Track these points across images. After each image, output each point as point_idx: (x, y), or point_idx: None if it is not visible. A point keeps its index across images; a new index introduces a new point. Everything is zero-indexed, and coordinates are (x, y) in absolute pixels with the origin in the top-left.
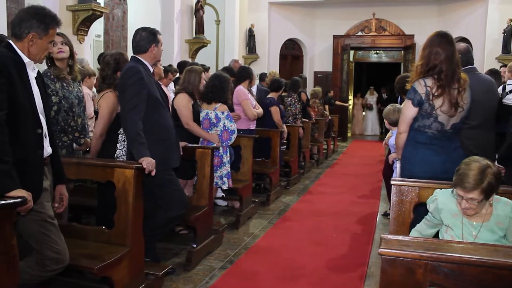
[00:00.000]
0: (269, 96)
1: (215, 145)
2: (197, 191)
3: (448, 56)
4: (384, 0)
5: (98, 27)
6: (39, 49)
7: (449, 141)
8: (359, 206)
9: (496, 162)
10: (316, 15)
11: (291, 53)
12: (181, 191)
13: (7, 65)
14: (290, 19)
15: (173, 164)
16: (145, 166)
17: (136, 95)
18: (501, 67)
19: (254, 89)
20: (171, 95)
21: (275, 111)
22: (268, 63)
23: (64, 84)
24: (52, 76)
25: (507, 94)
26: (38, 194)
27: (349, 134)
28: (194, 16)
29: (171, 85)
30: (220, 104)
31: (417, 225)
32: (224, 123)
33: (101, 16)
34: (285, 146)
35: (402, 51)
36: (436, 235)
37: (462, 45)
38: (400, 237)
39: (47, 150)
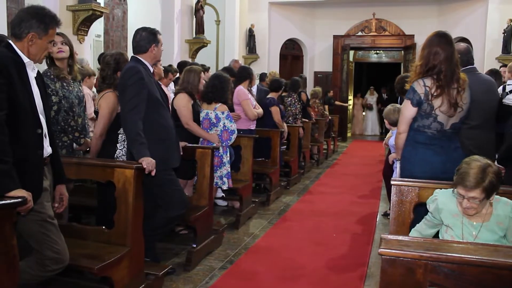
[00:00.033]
0: (269, 96)
1: (215, 145)
2: (197, 191)
3: (447, 56)
4: (384, 0)
5: (98, 27)
6: (38, 49)
7: (449, 141)
8: (359, 206)
9: (496, 162)
10: (316, 15)
11: (291, 53)
12: (181, 191)
13: (7, 65)
14: (290, 19)
15: (173, 164)
16: (145, 166)
17: (136, 95)
18: (501, 67)
19: (254, 89)
20: (171, 95)
21: (275, 111)
22: (268, 63)
23: (64, 84)
24: (52, 76)
25: (507, 94)
26: (38, 194)
27: (349, 134)
28: (194, 16)
29: (171, 85)
30: (220, 104)
31: (417, 225)
32: (224, 123)
33: (101, 16)
34: (285, 146)
35: (402, 51)
36: (436, 235)
37: (462, 45)
38: (400, 237)
39: (47, 150)
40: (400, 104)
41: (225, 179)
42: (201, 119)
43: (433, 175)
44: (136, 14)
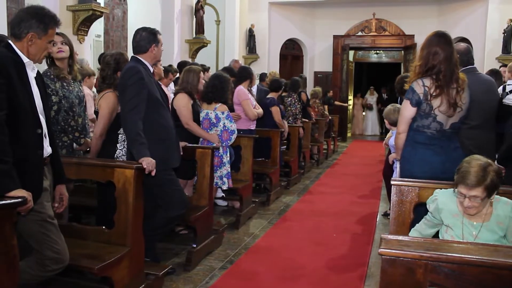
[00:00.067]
0: (269, 96)
1: (215, 145)
2: (197, 191)
3: (447, 56)
4: (384, 0)
5: (98, 27)
6: (38, 49)
7: (449, 141)
8: (359, 206)
9: (496, 162)
10: (316, 15)
11: (291, 53)
12: (181, 191)
13: (6, 65)
14: (290, 19)
15: (173, 164)
16: (145, 166)
17: (136, 95)
18: (500, 67)
19: (254, 89)
20: (171, 95)
21: (275, 111)
22: (268, 63)
23: (64, 84)
24: (52, 76)
25: (507, 94)
26: (38, 194)
27: (349, 134)
28: (194, 16)
29: (171, 85)
30: (220, 104)
31: (417, 224)
32: (224, 123)
33: (101, 16)
34: (285, 146)
35: (402, 51)
36: (436, 235)
37: (462, 45)
38: (400, 237)
39: (47, 150)
40: (400, 104)
41: (225, 179)
42: (201, 119)
43: (433, 175)
44: (136, 14)
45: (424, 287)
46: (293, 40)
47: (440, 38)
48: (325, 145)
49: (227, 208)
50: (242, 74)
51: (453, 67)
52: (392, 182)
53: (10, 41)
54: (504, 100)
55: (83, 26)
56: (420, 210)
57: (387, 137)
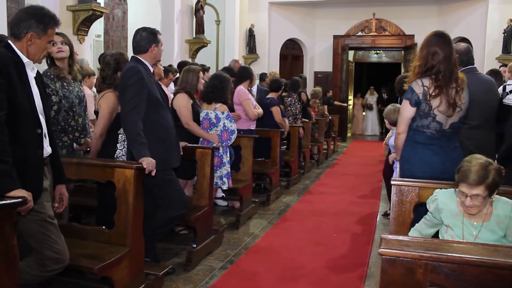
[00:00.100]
0: (268, 96)
1: (215, 145)
2: (197, 191)
3: (446, 56)
4: (384, 0)
5: (98, 27)
6: (37, 49)
7: (448, 141)
8: (359, 206)
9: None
10: (316, 15)
11: (291, 53)
12: (181, 191)
13: (6, 65)
14: (290, 19)
15: (173, 164)
16: (145, 166)
17: (136, 95)
18: (500, 66)
19: (254, 89)
20: (171, 96)
21: (276, 111)
22: (268, 63)
23: (65, 84)
24: (52, 76)
25: (507, 94)
26: (38, 194)
27: (349, 134)
28: (194, 16)
29: (172, 85)
30: (220, 104)
31: (416, 224)
32: (224, 123)
33: (101, 16)
34: (285, 146)
35: (402, 51)
36: (436, 235)
37: (462, 45)
38: (400, 237)
39: (47, 150)
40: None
41: (225, 179)
42: (201, 119)
43: (433, 175)
44: (136, 14)
45: (424, 287)
46: (293, 40)
47: (439, 38)
48: (325, 145)
49: (227, 208)
50: (242, 74)
51: (452, 67)
52: (392, 182)
53: (9, 41)
54: (504, 100)
55: (83, 26)
56: (420, 210)
57: (387, 137)
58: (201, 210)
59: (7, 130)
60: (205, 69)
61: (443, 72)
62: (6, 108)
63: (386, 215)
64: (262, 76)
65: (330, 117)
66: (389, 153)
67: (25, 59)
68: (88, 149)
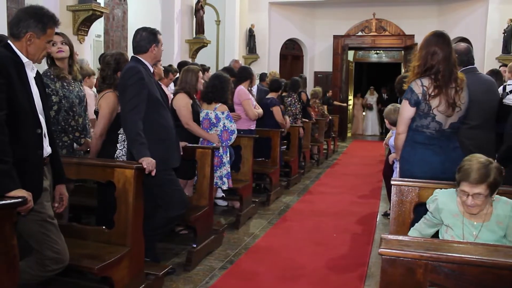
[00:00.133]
0: (268, 96)
1: (215, 145)
2: (197, 191)
3: (445, 56)
4: (384, 0)
5: (98, 27)
6: (37, 48)
7: (448, 141)
8: (359, 206)
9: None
10: (316, 15)
11: (291, 53)
12: (181, 191)
13: (6, 65)
14: (290, 19)
15: (173, 164)
16: (145, 166)
17: (137, 95)
18: (500, 66)
19: (254, 89)
20: (171, 96)
21: (277, 111)
22: (268, 63)
23: (65, 84)
24: (52, 76)
25: (507, 94)
26: (38, 194)
27: (349, 134)
28: (194, 16)
29: (172, 85)
30: (220, 104)
31: (416, 224)
32: (224, 123)
33: (101, 16)
34: (285, 146)
35: (403, 51)
36: (435, 235)
37: (462, 45)
38: (400, 237)
39: (47, 150)
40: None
41: (225, 179)
42: (201, 119)
43: (433, 175)
44: (136, 14)
45: (424, 287)
46: (293, 40)
47: (439, 38)
48: (325, 145)
49: (227, 208)
50: (242, 74)
51: (451, 67)
52: (392, 182)
53: (9, 41)
54: (504, 100)
55: (83, 26)
56: (420, 210)
57: (387, 137)
58: (201, 210)
59: (7, 130)
60: (205, 69)
61: (442, 72)
62: (6, 108)
63: (386, 215)
64: (262, 76)
65: (330, 117)
66: (389, 153)
67: (24, 59)
68: (88, 149)
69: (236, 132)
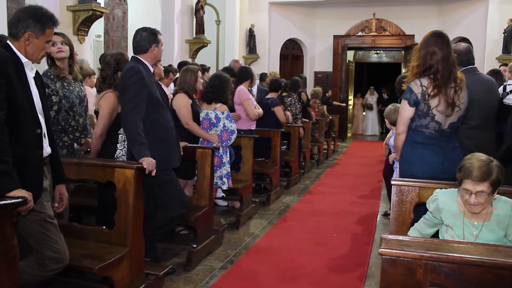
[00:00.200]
0: (268, 96)
1: (215, 145)
2: (197, 191)
3: (444, 56)
4: (384, 0)
5: (98, 27)
6: (35, 48)
7: (447, 141)
8: (360, 206)
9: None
10: (316, 15)
11: (292, 53)
12: (181, 191)
13: (5, 65)
14: (290, 19)
15: (173, 164)
16: (145, 166)
17: (137, 95)
18: (500, 66)
19: (254, 89)
20: (171, 96)
21: (278, 111)
22: (268, 63)
23: (65, 84)
24: (52, 76)
25: (507, 94)
26: (38, 194)
27: (349, 134)
28: (194, 16)
29: (172, 85)
30: (220, 104)
31: (416, 224)
32: (224, 123)
33: (102, 16)
34: (285, 146)
35: (403, 51)
36: (435, 235)
37: (462, 45)
38: (401, 237)
39: (47, 150)
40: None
41: (225, 179)
42: (201, 119)
43: (433, 175)
44: (136, 14)
45: (424, 287)
46: (293, 40)
47: (438, 38)
48: (325, 145)
49: (227, 208)
50: (242, 74)
51: (450, 66)
52: (392, 182)
53: (8, 41)
54: (504, 100)
55: (83, 26)
56: (420, 210)
57: (387, 137)
58: (201, 210)
59: (7, 130)
60: (205, 69)
61: (441, 71)
62: (5, 108)
63: (386, 215)
64: (262, 76)
65: (330, 117)
66: (389, 153)
67: (23, 59)
68: (89, 149)
69: (236, 132)
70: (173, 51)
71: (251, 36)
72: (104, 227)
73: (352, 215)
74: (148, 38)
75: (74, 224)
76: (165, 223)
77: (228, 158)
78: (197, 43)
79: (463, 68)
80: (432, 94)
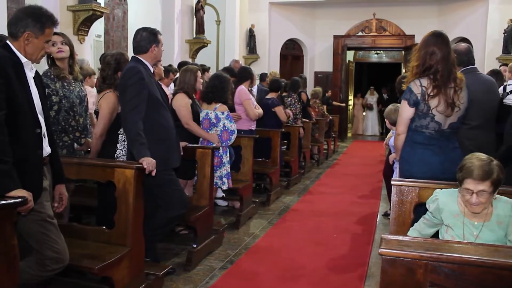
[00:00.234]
0: (268, 96)
1: (215, 145)
2: (197, 191)
3: (444, 56)
4: (384, 0)
5: (98, 27)
6: (35, 48)
7: (447, 141)
8: (360, 206)
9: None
10: (316, 15)
11: (292, 53)
12: (181, 191)
13: (5, 65)
14: (290, 19)
15: (173, 164)
16: (145, 166)
17: (137, 95)
18: (500, 66)
19: (254, 89)
20: (171, 96)
21: (280, 111)
22: (268, 63)
23: (65, 84)
24: (52, 76)
25: (507, 94)
26: (38, 194)
27: (349, 134)
28: (194, 16)
29: (172, 85)
30: (220, 104)
31: (415, 224)
32: (224, 123)
33: (102, 16)
34: (285, 146)
35: (403, 51)
36: (435, 235)
37: (462, 45)
38: (401, 237)
39: (46, 149)
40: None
41: (224, 179)
42: (201, 119)
43: (432, 175)
44: (136, 14)
45: (424, 287)
46: (294, 40)
47: (437, 38)
48: (325, 145)
49: (227, 208)
50: (242, 74)
51: (450, 66)
52: (392, 182)
53: (8, 41)
54: (504, 100)
55: (83, 26)
56: (420, 210)
57: (387, 137)
58: (201, 210)
59: (6, 130)
60: (205, 69)
61: (441, 72)
62: (5, 108)
63: (386, 215)
64: (263, 76)
65: (330, 117)
66: (390, 153)
67: (23, 59)
68: (89, 149)
69: (236, 132)
70: (173, 51)
71: (251, 36)
72: (104, 227)
73: (352, 215)
74: (148, 38)
75: (74, 224)
76: (165, 223)
77: (228, 158)
78: (197, 43)
79: (463, 68)
80: (431, 94)
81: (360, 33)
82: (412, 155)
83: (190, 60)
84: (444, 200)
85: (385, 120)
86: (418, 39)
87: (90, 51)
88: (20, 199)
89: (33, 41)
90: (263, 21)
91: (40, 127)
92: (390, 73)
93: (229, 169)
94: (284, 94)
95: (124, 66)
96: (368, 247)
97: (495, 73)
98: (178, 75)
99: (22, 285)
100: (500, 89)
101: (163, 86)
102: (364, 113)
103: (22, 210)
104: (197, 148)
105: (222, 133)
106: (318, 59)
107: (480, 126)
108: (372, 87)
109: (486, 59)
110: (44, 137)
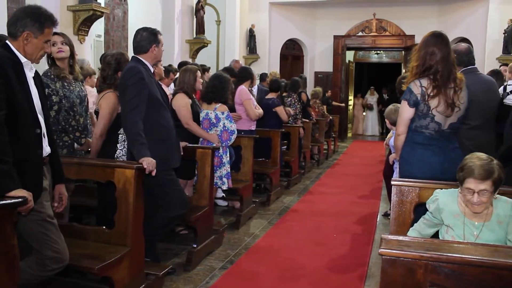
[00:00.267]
0: (268, 96)
1: (215, 145)
2: (198, 191)
3: (443, 56)
4: (384, 0)
5: (98, 27)
6: (34, 48)
7: (447, 141)
8: (360, 207)
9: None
10: (316, 15)
11: (292, 53)
12: (181, 191)
13: (4, 65)
14: (290, 19)
15: (173, 164)
16: (145, 166)
17: (137, 95)
18: (501, 66)
19: (254, 89)
20: (171, 96)
21: (281, 111)
22: (268, 63)
23: (65, 84)
24: (52, 76)
25: (508, 94)
26: (38, 194)
27: (349, 135)
28: (194, 16)
29: (172, 85)
30: (220, 104)
31: (415, 224)
32: (224, 123)
33: (102, 16)
34: (285, 147)
35: (403, 52)
36: (435, 235)
37: (463, 45)
38: (401, 238)
39: (46, 149)
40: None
41: (224, 179)
42: (201, 119)
43: (432, 175)
44: (136, 14)
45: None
46: (294, 40)
47: (437, 39)
48: (325, 145)
49: (227, 208)
50: (242, 75)
51: (450, 67)
52: (392, 182)
53: (7, 41)
54: (504, 100)
55: (83, 26)
56: (420, 210)
57: (387, 137)
58: (201, 210)
59: (6, 130)
60: (205, 69)
61: (441, 72)
62: (5, 108)
63: (386, 215)
64: (263, 76)
65: (330, 117)
66: (390, 153)
67: (23, 59)
68: (89, 149)
69: (236, 132)
70: (173, 51)
71: (251, 36)
72: (104, 227)
73: (352, 215)
74: (148, 38)
75: (74, 224)
76: (165, 223)
77: (228, 158)
78: (197, 43)
79: (464, 69)
80: (431, 94)
81: (360, 33)
82: (412, 155)
83: (190, 60)
84: (444, 200)
85: (385, 120)
86: (418, 39)
87: (90, 51)
88: (20, 199)
89: (32, 41)
90: (263, 21)
91: (40, 127)
92: (390, 73)
93: (229, 169)
94: (284, 94)
95: (125, 66)
96: (368, 247)
97: (495, 73)
98: (178, 75)
99: (22, 285)
100: (500, 89)
101: (163, 86)
102: (364, 113)
103: (22, 210)
104: (197, 148)
105: (222, 133)
106: (318, 59)
107: (480, 126)
108: (372, 87)
109: (486, 59)
110: (44, 137)
